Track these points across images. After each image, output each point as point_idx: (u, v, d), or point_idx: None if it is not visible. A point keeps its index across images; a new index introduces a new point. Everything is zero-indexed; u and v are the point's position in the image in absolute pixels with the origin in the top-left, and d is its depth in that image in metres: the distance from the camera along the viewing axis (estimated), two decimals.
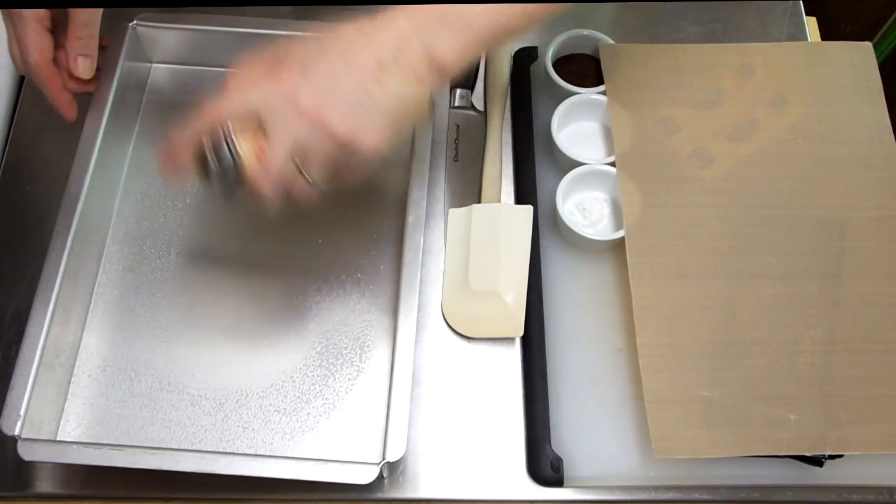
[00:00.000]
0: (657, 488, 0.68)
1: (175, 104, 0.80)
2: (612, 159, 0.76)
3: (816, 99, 0.80)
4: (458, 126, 0.81)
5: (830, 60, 0.82)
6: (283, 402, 0.69)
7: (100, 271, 0.74)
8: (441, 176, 0.78)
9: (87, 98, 0.73)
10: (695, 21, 0.89)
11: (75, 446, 0.63)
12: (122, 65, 0.75)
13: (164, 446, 0.67)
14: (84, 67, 0.71)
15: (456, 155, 0.80)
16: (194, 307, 0.72)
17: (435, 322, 0.73)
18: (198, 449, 0.67)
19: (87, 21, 0.69)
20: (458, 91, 0.82)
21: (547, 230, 0.77)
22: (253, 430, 0.68)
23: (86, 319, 0.72)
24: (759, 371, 0.68)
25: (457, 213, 0.76)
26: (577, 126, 0.80)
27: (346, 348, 0.71)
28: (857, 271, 0.72)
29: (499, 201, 0.77)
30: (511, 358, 0.72)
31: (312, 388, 0.70)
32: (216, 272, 0.74)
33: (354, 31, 0.59)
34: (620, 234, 0.73)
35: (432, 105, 0.74)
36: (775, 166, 0.77)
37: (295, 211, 0.63)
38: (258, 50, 0.62)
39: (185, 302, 0.72)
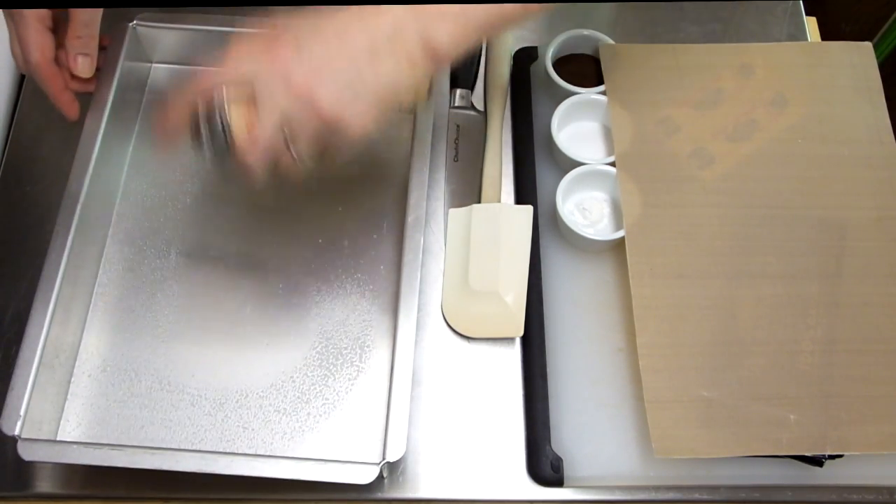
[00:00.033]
0: (657, 488, 0.68)
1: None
2: (612, 159, 0.76)
3: (816, 99, 0.80)
4: (458, 126, 0.81)
5: (830, 60, 0.82)
6: (283, 402, 0.69)
7: (100, 271, 0.74)
8: (441, 176, 0.78)
9: (87, 98, 0.73)
10: (695, 21, 0.89)
11: (75, 446, 0.63)
12: (122, 65, 0.75)
13: (164, 446, 0.67)
14: (84, 66, 0.71)
15: (456, 155, 0.80)
16: (194, 307, 0.72)
17: (435, 322, 0.73)
18: (198, 449, 0.67)
19: (87, 20, 0.69)
20: (458, 91, 0.82)
21: (547, 230, 0.77)
22: (253, 430, 0.68)
23: (86, 319, 0.72)
24: (759, 371, 0.68)
25: (457, 213, 0.76)
26: (577, 126, 0.80)
27: (346, 348, 0.71)
28: (857, 271, 0.72)
29: (499, 201, 0.77)
30: (511, 358, 0.72)
31: (312, 388, 0.70)
32: (216, 272, 0.74)
33: (351, 15, 0.60)
34: (620, 234, 0.73)
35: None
36: (775, 166, 0.77)
37: (279, 184, 0.64)
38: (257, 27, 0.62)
39: (185, 302, 0.73)
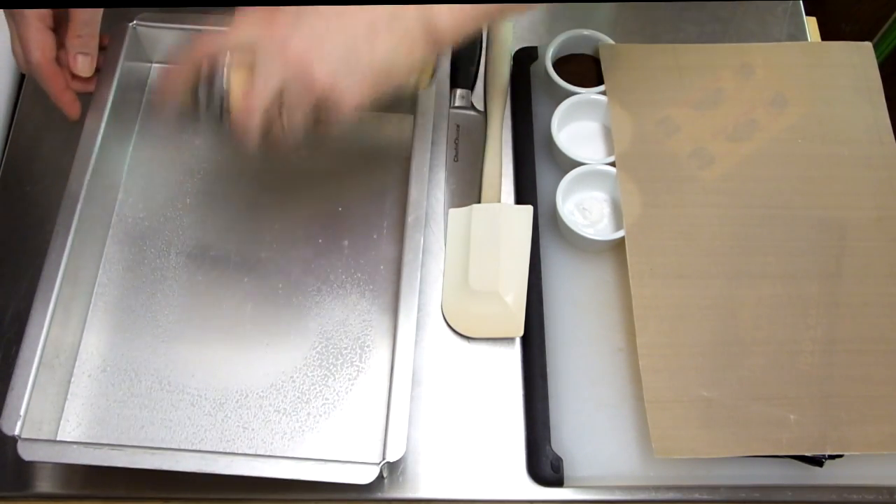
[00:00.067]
0: (657, 488, 0.68)
1: (175, 104, 0.80)
2: (612, 159, 0.76)
3: (816, 99, 0.80)
4: (458, 126, 0.81)
5: (830, 60, 0.82)
6: (283, 402, 0.69)
7: (100, 271, 0.74)
8: (441, 176, 0.78)
9: (87, 98, 0.73)
10: (695, 21, 0.89)
11: (75, 446, 0.63)
12: (122, 65, 0.75)
13: (164, 446, 0.67)
14: (83, 65, 0.71)
15: (456, 155, 0.80)
16: (194, 307, 0.72)
17: (435, 322, 0.73)
18: (198, 449, 0.67)
19: (87, 19, 0.69)
20: (458, 91, 0.82)
21: (547, 230, 0.77)
22: (253, 430, 0.68)
23: (86, 319, 0.72)
24: (759, 371, 0.68)
25: (457, 213, 0.76)
26: (577, 126, 0.80)
27: (346, 348, 0.71)
28: (857, 271, 0.72)
29: (499, 201, 0.77)
30: (511, 358, 0.72)
31: (312, 388, 0.70)
32: (216, 272, 0.74)
33: None
34: (620, 234, 0.73)
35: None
36: (775, 166, 0.77)
37: (268, 155, 0.65)
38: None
39: (185, 302, 0.73)
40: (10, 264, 0.74)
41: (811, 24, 0.92)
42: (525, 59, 0.83)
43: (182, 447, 0.67)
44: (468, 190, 0.78)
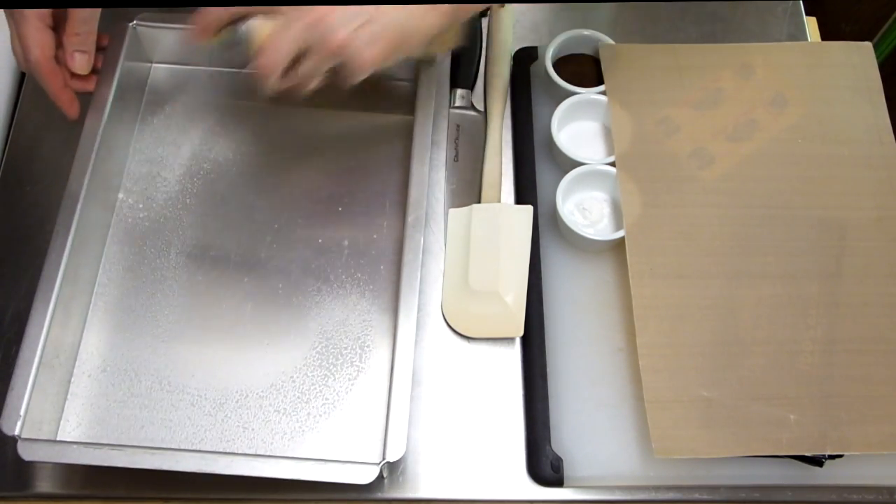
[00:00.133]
0: (657, 488, 0.68)
1: (175, 104, 0.81)
2: (612, 159, 0.76)
3: (816, 99, 0.80)
4: (458, 126, 0.81)
5: (830, 60, 0.82)
6: (283, 402, 0.69)
7: (100, 271, 0.74)
8: (441, 176, 0.78)
9: (87, 98, 0.73)
10: (695, 21, 0.89)
11: (75, 446, 0.63)
12: (122, 65, 0.75)
13: (164, 446, 0.67)
14: (81, 63, 0.71)
15: (456, 155, 0.80)
16: (194, 307, 0.72)
17: (435, 322, 0.73)
18: (198, 449, 0.67)
19: (85, 18, 0.69)
20: (458, 91, 0.82)
21: (547, 230, 0.77)
22: (253, 430, 0.68)
23: (86, 319, 0.72)
24: (759, 371, 0.68)
25: (457, 213, 0.76)
26: (577, 126, 0.80)
27: (346, 348, 0.71)
28: (857, 271, 0.72)
29: (499, 201, 0.77)
30: (511, 358, 0.72)
31: (312, 388, 0.70)
32: (216, 272, 0.74)
33: None
34: (620, 234, 0.73)
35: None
36: (775, 166, 0.77)
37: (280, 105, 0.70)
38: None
39: (185, 302, 0.72)
40: (10, 264, 0.74)
41: (811, 24, 0.92)
42: (525, 59, 0.83)
43: (182, 447, 0.67)
44: (468, 190, 0.78)
